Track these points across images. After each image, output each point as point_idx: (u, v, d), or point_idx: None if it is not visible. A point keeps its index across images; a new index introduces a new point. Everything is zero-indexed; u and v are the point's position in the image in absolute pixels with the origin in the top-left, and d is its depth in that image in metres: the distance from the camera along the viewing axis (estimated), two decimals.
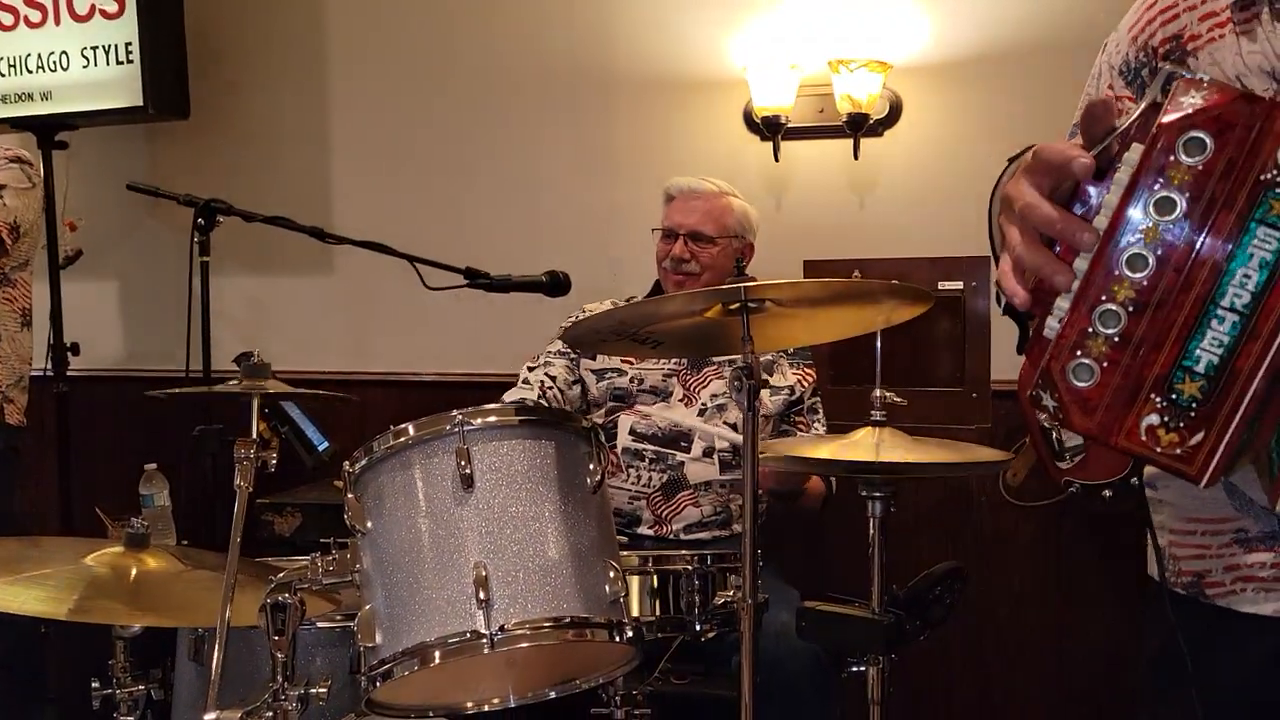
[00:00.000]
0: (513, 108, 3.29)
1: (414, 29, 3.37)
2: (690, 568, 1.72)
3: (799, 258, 2.67)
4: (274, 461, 1.69)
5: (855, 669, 1.87)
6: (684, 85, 3.11)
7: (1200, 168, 0.81)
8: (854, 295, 1.71)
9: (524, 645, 1.41)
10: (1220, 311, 0.82)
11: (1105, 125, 0.86)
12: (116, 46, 3.20)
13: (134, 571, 1.79)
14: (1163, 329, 0.82)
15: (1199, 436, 0.83)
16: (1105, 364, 0.84)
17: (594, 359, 2.50)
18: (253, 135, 3.51)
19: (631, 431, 2.43)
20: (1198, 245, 0.82)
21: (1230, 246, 0.81)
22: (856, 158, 2.93)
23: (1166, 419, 0.84)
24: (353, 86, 3.45)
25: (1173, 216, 0.82)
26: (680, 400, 2.46)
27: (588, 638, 1.45)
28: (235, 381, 1.87)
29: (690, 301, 1.61)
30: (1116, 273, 0.84)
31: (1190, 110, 0.82)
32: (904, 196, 2.95)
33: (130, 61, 3.19)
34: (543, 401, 2.46)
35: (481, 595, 1.39)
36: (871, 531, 1.87)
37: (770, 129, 2.93)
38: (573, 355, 2.54)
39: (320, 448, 2.58)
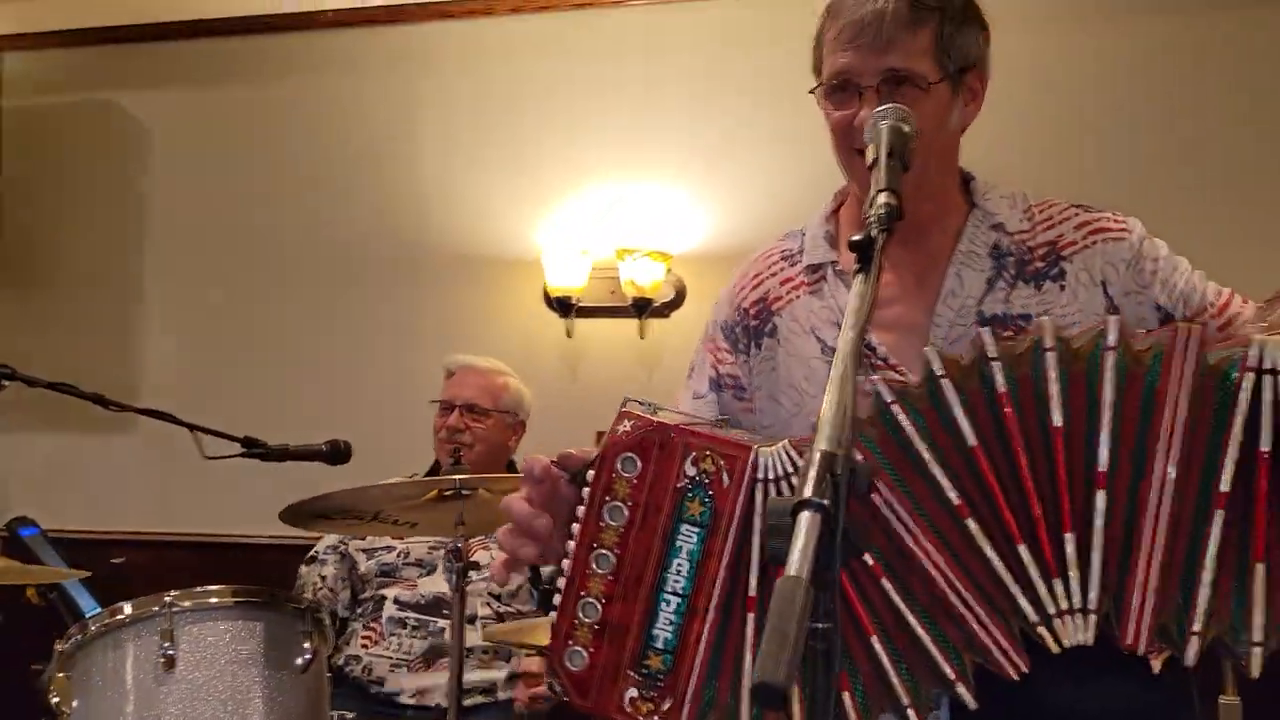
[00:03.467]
0: (325, 281, 3.42)
1: (230, 202, 3.50)
2: None
3: (593, 428, 2.80)
4: None
5: None
6: (489, 264, 3.30)
7: (635, 482, 1.01)
8: None
9: None
10: (667, 596, 1.01)
11: (577, 461, 1.05)
12: None
13: None
14: (628, 615, 1.00)
15: (668, 703, 1.00)
16: (591, 649, 1.01)
17: (364, 538, 2.57)
18: (59, 297, 3.55)
19: (396, 601, 2.50)
20: (643, 544, 1.00)
21: (664, 543, 1.00)
22: (642, 337, 3.13)
23: (642, 690, 1.01)
24: (167, 257, 3.54)
25: (620, 523, 1.01)
26: (444, 575, 2.54)
27: None
28: None
29: (408, 488, 1.72)
30: (589, 570, 1.02)
31: (622, 436, 1.02)
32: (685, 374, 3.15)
33: None
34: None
35: None
36: None
37: (563, 308, 3.12)
38: (341, 546, 2.60)
39: (89, 615, 2.56)
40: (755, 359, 1.41)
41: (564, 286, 3.09)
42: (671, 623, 1.01)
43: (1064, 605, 0.99)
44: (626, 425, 1.02)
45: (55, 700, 1.54)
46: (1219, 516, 0.96)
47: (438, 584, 2.53)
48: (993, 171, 1.45)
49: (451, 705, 1.66)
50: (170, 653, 1.50)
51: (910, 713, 1.00)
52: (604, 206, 3.19)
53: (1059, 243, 1.36)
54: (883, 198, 1.08)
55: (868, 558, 1.01)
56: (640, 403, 1.07)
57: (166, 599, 1.56)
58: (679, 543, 1.01)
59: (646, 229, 3.09)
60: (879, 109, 1.18)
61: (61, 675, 1.55)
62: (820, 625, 0.85)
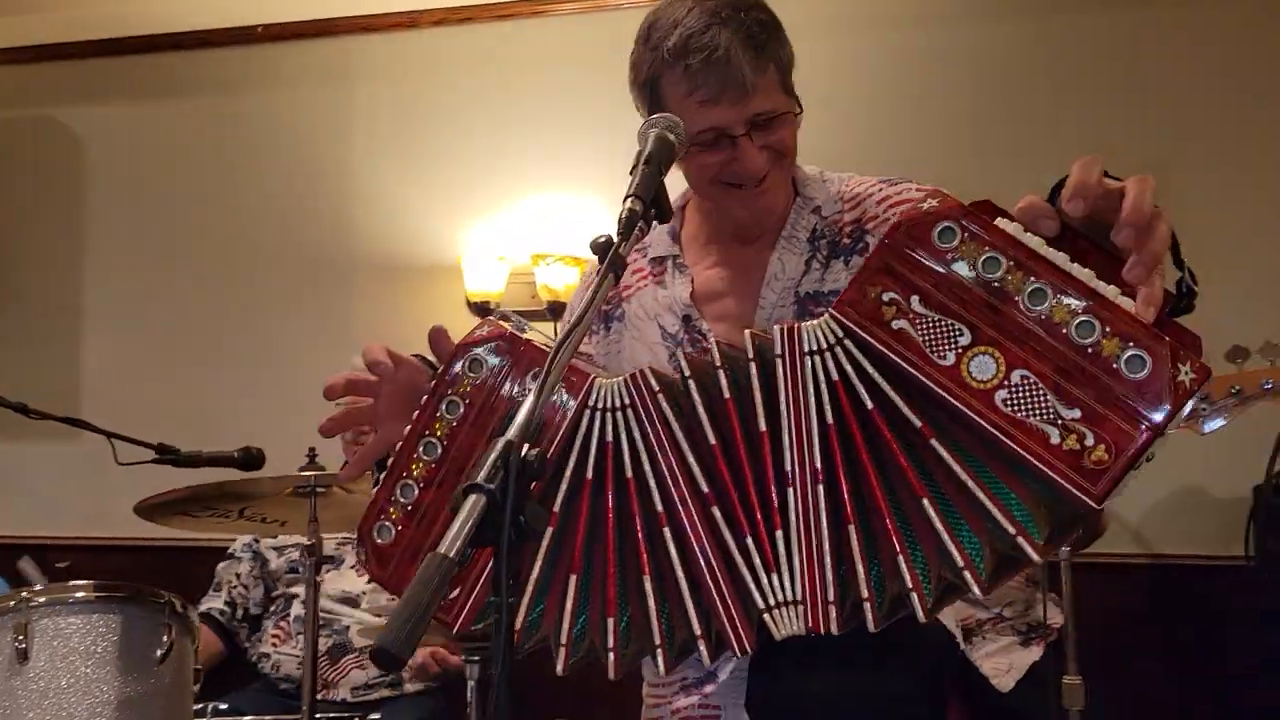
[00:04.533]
0: (258, 289, 3.50)
1: (165, 214, 3.58)
2: None
3: None
4: None
5: None
6: (413, 270, 3.37)
7: (478, 382, 1.06)
8: None
9: None
10: None
11: (444, 347, 1.11)
12: None
13: None
14: (440, 503, 1.04)
15: (456, 591, 1.03)
16: (400, 527, 1.06)
17: (274, 536, 2.64)
18: (9, 309, 3.63)
19: (302, 600, 2.57)
20: (470, 441, 1.05)
21: (489, 445, 1.02)
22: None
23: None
24: (105, 266, 3.63)
25: (454, 417, 1.06)
26: (352, 567, 2.61)
27: None
28: None
29: (260, 483, 1.79)
30: (415, 455, 1.06)
31: (479, 337, 1.08)
32: None
33: None
34: (228, 602, 2.61)
35: None
36: (469, 694, 2.03)
37: (482, 311, 3.19)
38: (254, 545, 2.68)
39: None
40: (605, 341, 1.51)
41: (483, 291, 3.17)
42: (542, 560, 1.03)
43: (779, 598, 1.04)
44: (485, 330, 1.08)
45: None
46: (821, 490, 1.02)
47: (343, 580, 2.61)
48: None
49: (307, 699, 1.73)
50: (23, 646, 1.57)
51: (659, 653, 1.06)
52: (521, 214, 3.26)
53: (863, 218, 1.44)
54: (628, 204, 1.15)
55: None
56: (511, 321, 1.12)
57: (24, 594, 1.63)
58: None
59: (561, 235, 3.16)
60: (650, 118, 1.25)
61: None
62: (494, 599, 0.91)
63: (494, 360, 1.07)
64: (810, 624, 1.03)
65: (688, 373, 1.08)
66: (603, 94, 3.35)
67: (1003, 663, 2.42)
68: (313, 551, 1.71)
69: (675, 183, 1.49)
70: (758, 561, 1.05)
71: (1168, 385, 0.89)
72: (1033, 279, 0.94)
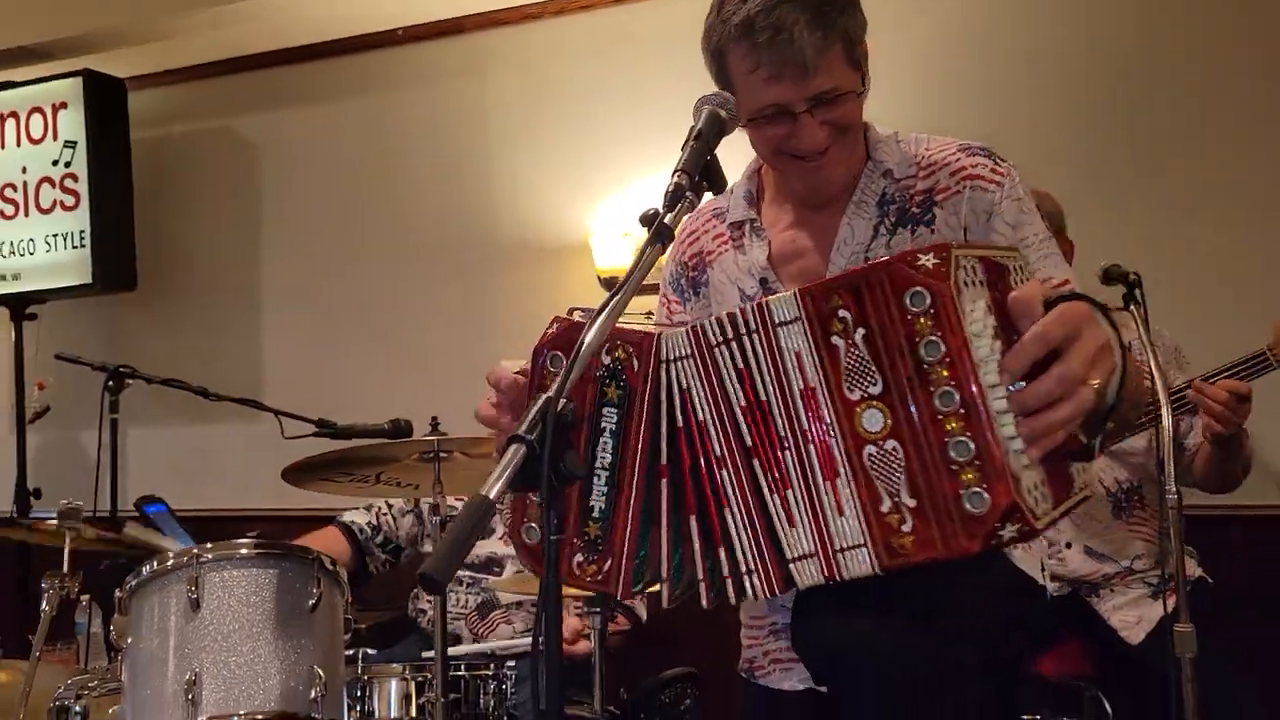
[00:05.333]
0: (413, 274, 3.75)
1: (329, 209, 3.88)
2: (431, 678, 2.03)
3: None
4: (76, 591, 2.07)
5: None
6: (546, 250, 3.55)
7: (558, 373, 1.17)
8: None
9: None
10: (597, 471, 1.18)
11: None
12: (72, 234, 3.76)
13: None
14: (568, 493, 1.15)
15: (608, 563, 1.17)
16: (540, 523, 1.17)
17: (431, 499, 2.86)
18: (193, 303, 4.02)
19: None
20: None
21: (590, 426, 1.17)
22: None
23: (585, 555, 1.18)
24: (280, 260, 3.97)
25: (615, 425, 1.17)
26: (500, 537, 2.80)
27: None
28: (54, 523, 2.27)
29: (391, 448, 1.97)
30: None
31: (548, 337, 1.21)
32: None
33: (83, 246, 3.74)
34: (371, 523, 2.83)
35: (190, 695, 1.74)
36: (594, 645, 2.18)
37: (610, 287, 3.33)
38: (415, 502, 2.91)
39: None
40: (696, 306, 1.61)
41: (611, 267, 3.31)
42: (603, 494, 1.16)
43: (797, 551, 1.13)
44: (553, 329, 1.20)
45: (116, 638, 1.89)
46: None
47: (491, 545, 2.80)
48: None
49: (439, 656, 1.90)
50: (195, 596, 1.81)
51: (664, 586, 1.17)
52: (646, 191, 3.37)
53: (935, 188, 1.48)
54: (675, 178, 1.25)
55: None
56: (584, 310, 1.25)
57: (195, 551, 1.87)
58: (602, 424, 1.17)
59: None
60: (704, 95, 1.33)
61: (120, 616, 1.90)
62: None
63: (567, 350, 1.17)
64: (826, 573, 1.11)
65: (730, 335, 1.17)
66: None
67: (1131, 615, 2.39)
68: (436, 511, 1.89)
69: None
70: (784, 515, 1.14)
71: (987, 532, 1.02)
72: (951, 384, 1.02)
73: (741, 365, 1.15)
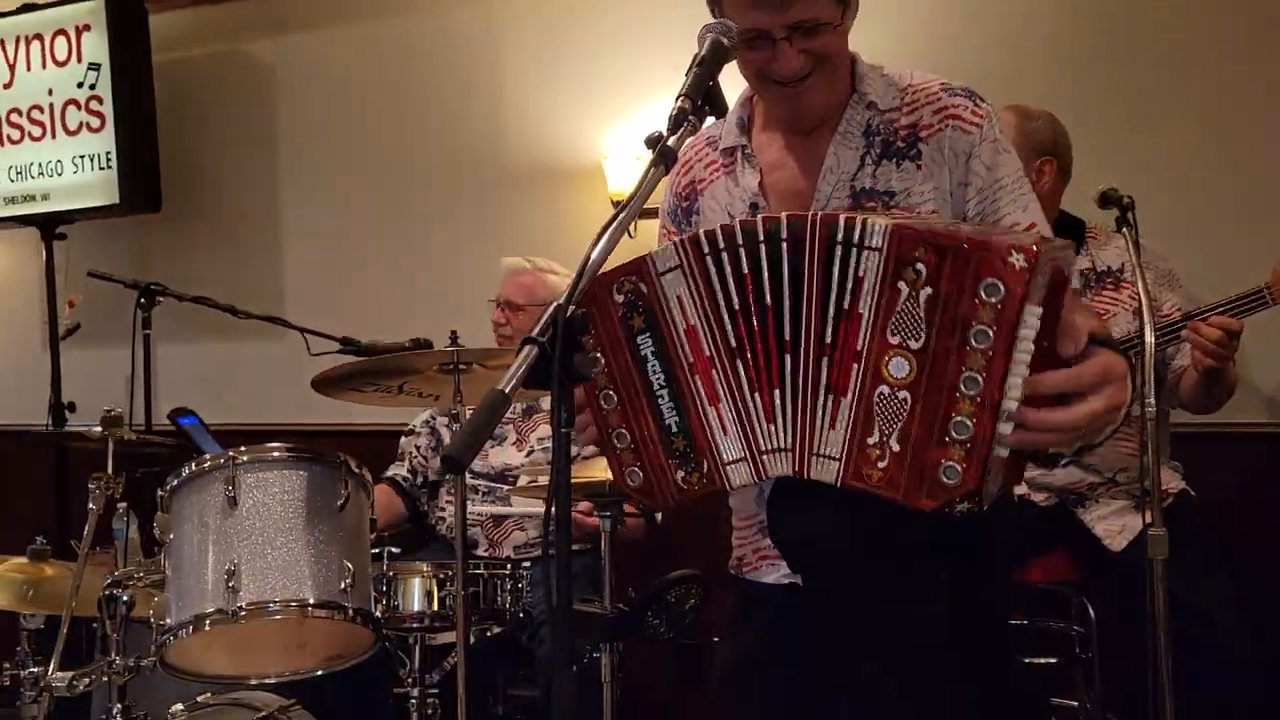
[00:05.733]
0: (429, 195, 3.84)
1: (344, 130, 3.95)
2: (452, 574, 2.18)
3: None
4: (120, 491, 2.21)
5: (592, 655, 2.31)
6: (559, 173, 3.62)
7: (594, 331, 1.25)
8: None
9: (261, 619, 1.90)
10: (658, 393, 1.28)
11: None
12: (98, 155, 3.85)
13: (35, 577, 2.34)
14: (644, 424, 1.28)
15: (706, 464, 1.28)
16: (637, 465, 1.29)
17: (446, 415, 2.99)
18: (215, 223, 4.13)
19: (470, 470, 2.92)
20: (622, 370, 1.28)
21: (633, 359, 1.27)
22: None
23: (684, 468, 1.29)
24: (299, 181, 4.05)
25: (600, 367, 1.27)
26: (513, 444, 2.94)
27: (311, 615, 1.93)
28: (98, 430, 2.40)
29: (413, 360, 2.09)
30: (603, 410, 1.29)
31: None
32: None
33: (109, 167, 3.84)
34: (409, 470, 2.99)
35: (230, 583, 1.89)
36: (603, 545, 2.31)
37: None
38: (432, 421, 3.05)
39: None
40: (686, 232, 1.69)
41: (623, 190, 3.39)
42: (673, 409, 1.27)
43: (771, 445, 1.26)
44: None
45: (158, 533, 2.03)
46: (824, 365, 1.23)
47: (505, 455, 2.94)
48: None
49: (460, 551, 2.04)
50: (232, 494, 1.95)
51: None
52: (657, 115, 3.43)
53: (918, 125, 1.55)
54: (678, 102, 1.34)
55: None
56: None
57: (231, 453, 2.00)
58: (642, 352, 1.27)
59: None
60: (707, 24, 1.41)
61: (162, 514, 2.04)
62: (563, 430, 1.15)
63: (589, 307, 1.25)
64: (796, 469, 1.23)
65: (721, 245, 1.28)
66: None
67: (1115, 525, 2.52)
68: (457, 418, 2.02)
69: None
70: (762, 412, 1.26)
71: (946, 500, 1.14)
72: (982, 373, 1.12)
73: (753, 271, 1.25)
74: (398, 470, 3.08)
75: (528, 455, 2.92)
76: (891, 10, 3.13)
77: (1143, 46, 3.00)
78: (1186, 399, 2.50)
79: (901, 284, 1.16)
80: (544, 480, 2.81)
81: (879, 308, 1.17)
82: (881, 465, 1.17)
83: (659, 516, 2.85)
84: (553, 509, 1.12)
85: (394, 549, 2.23)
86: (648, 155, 3.72)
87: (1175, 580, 2.36)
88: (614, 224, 1.22)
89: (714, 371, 1.27)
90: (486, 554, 2.87)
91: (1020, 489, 2.55)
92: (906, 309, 1.15)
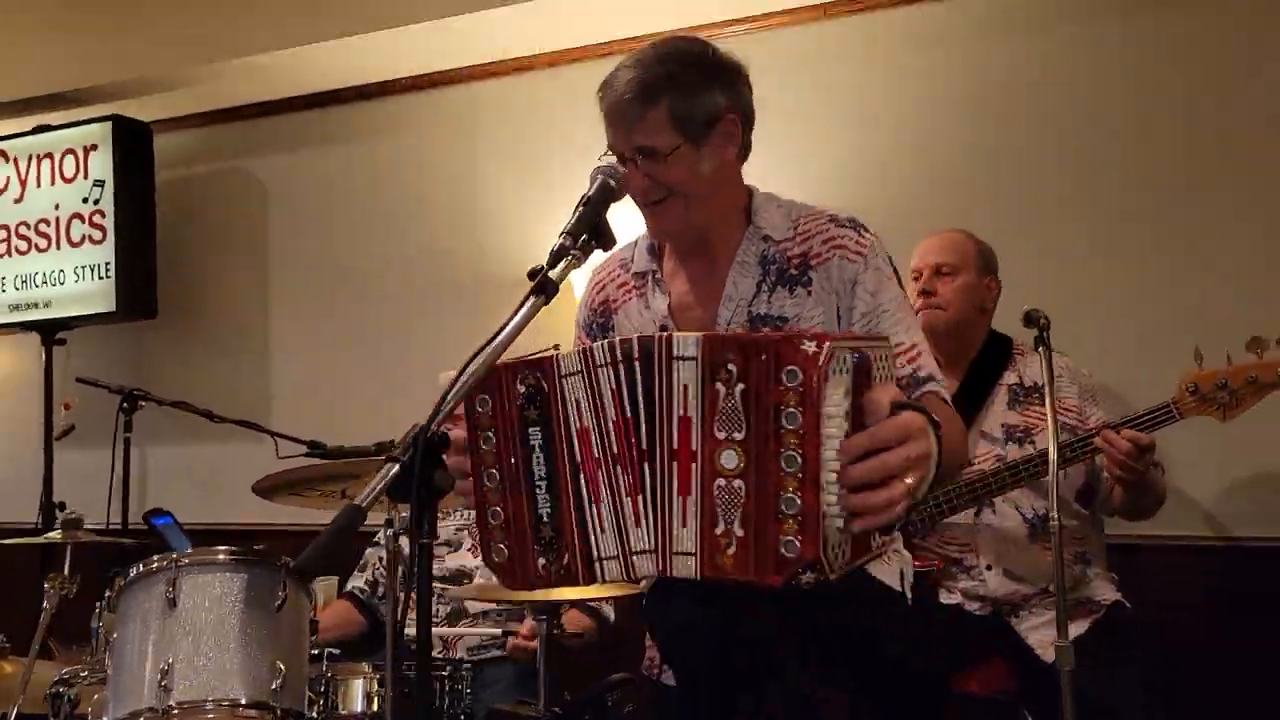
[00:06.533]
0: (408, 306, 4.01)
1: (331, 244, 4.16)
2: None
3: None
4: (75, 591, 2.32)
5: None
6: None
7: (490, 413, 1.40)
8: None
9: (193, 718, 1.98)
10: (537, 483, 1.39)
11: None
12: (99, 265, 4.07)
13: None
14: (519, 507, 1.39)
15: (566, 557, 1.38)
16: (505, 543, 1.40)
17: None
18: (208, 329, 4.32)
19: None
20: (510, 455, 1.38)
21: (522, 447, 1.38)
22: None
23: (546, 556, 1.39)
24: (287, 291, 4.25)
25: (490, 446, 1.39)
26: (469, 549, 3.03)
27: (240, 715, 2.00)
28: (58, 532, 2.52)
29: (351, 466, 2.21)
30: (484, 488, 1.40)
31: (478, 379, 1.40)
32: None
33: (108, 276, 4.04)
34: (369, 580, 3.08)
35: (164, 682, 1.98)
36: (539, 649, 2.38)
37: None
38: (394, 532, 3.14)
39: None
40: None
41: None
42: (547, 500, 1.37)
43: (639, 547, 1.35)
44: (479, 372, 1.39)
45: (103, 631, 2.13)
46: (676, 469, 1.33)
47: (460, 559, 3.03)
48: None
49: (389, 655, 2.12)
50: (172, 595, 2.04)
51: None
52: (628, 232, 3.60)
53: (809, 254, 1.69)
54: (559, 240, 1.48)
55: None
56: (556, 347, 1.44)
57: (175, 556, 2.11)
58: (531, 442, 1.38)
59: None
60: (600, 165, 1.56)
61: (110, 613, 2.14)
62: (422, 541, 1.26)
63: (489, 390, 1.40)
64: (660, 568, 1.33)
65: (605, 359, 1.39)
66: None
67: (1047, 635, 2.56)
68: (390, 524, 2.12)
69: None
70: (631, 515, 1.36)
71: (790, 573, 1.24)
72: (798, 451, 1.22)
73: (622, 385, 1.35)
74: (356, 583, 3.13)
75: (481, 560, 3.00)
76: (829, 145, 3.31)
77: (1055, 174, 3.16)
78: (1118, 507, 2.57)
79: (718, 384, 1.27)
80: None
81: (704, 408, 1.29)
82: (730, 551, 1.27)
83: (612, 616, 2.92)
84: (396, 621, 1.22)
85: (334, 650, 2.30)
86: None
87: (1107, 690, 2.41)
88: (488, 348, 1.35)
89: (600, 473, 1.37)
90: (440, 655, 2.93)
91: (955, 598, 2.61)
92: (727, 405, 1.27)
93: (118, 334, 4.39)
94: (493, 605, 2.94)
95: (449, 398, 1.28)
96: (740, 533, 1.26)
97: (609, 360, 1.36)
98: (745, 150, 1.76)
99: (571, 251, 1.45)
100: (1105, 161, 3.09)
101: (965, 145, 3.24)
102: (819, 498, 1.22)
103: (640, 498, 1.34)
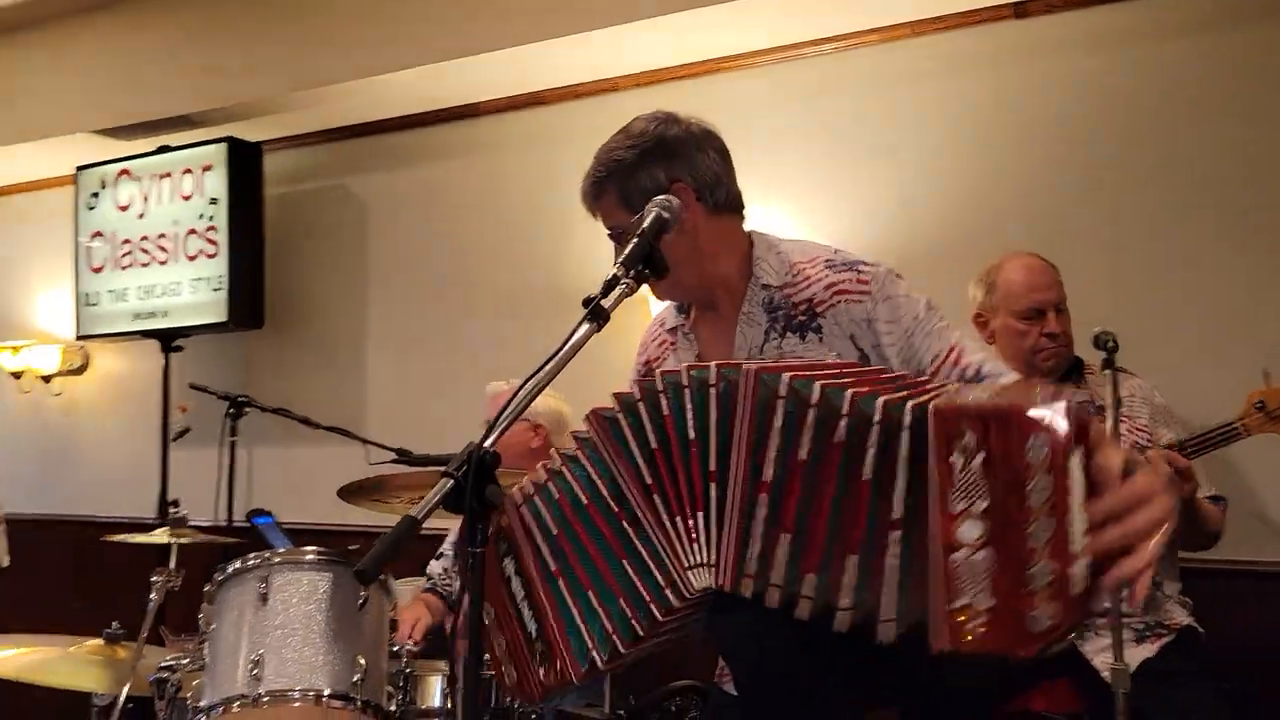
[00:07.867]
0: (498, 319, 4.17)
1: (425, 259, 4.34)
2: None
3: None
4: (180, 584, 2.50)
5: None
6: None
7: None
8: None
9: (281, 705, 2.13)
10: (519, 606, 1.50)
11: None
12: (211, 278, 4.32)
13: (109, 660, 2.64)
14: (514, 635, 1.50)
15: (559, 662, 1.46)
16: (513, 666, 1.51)
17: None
18: (311, 339, 4.54)
19: None
20: (495, 593, 1.51)
21: (502, 585, 1.52)
22: None
23: (544, 667, 1.47)
24: (384, 303, 4.45)
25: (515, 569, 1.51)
26: None
27: (326, 705, 2.15)
28: (162, 530, 2.71)
29: (423, 476, 2.34)
30: (485, 622, 1.48)
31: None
32: None
33: (221, 289, 4.29)
34: (445, 568, 3.21)
35: (254, 672, 2.14)
36: None
37: None
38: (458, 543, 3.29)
39: None
40: None
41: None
42: (531, 618, 1.48)
43: (694, 560, 1.39)
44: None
45: (202, 624, 2.30)
46: (763, 500, 1.34)
47: None
48: None
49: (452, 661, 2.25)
50: (264, 591, 2.21)
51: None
52: None
53: (813, 300, 1.75)
54: (612, 270, 1.57)
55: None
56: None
57: (268, 555, 2.27)
58: (508, 574, 1.52)
59: None
60: (656, 198, 1.65)
61: (207, 605, 2.31)
62: (474, 550, 1.37)
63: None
64: (719, 582, 1.36)
65: (638, 396, 1.47)
66: (786, 142, 3.73)
67: (1111, 657, 2.55)
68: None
69: None
70: (681, 535, 1.40)
71: (1042, 645, 1.17)
72: (1049, 521, 1.15)
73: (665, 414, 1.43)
74: (432, 568, 3.27)
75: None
76: (923, 155, 3.33)
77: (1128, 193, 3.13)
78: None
79: (954, 456, 1.19)
80: None
81: (941, 481, 1.21)
82: (978, 624, 1.18)
83: None
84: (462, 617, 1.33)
85: (413, 647, 2.43)
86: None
87: (1173, 716, 2.41)
88: (540, 373, 1.45)
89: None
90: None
91: None
92: (965, 477, 1.19)
93: (228, 342, 4.65)
94: None
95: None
96: (990, 603, 1.18)
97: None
98: (729, 204, 1.83)
99: (624, 280, 1.53)
100: (1176, 182, 3.06)
101: (1054, 162, 3.24)
102: (1071, 566, 1.15)
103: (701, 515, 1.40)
